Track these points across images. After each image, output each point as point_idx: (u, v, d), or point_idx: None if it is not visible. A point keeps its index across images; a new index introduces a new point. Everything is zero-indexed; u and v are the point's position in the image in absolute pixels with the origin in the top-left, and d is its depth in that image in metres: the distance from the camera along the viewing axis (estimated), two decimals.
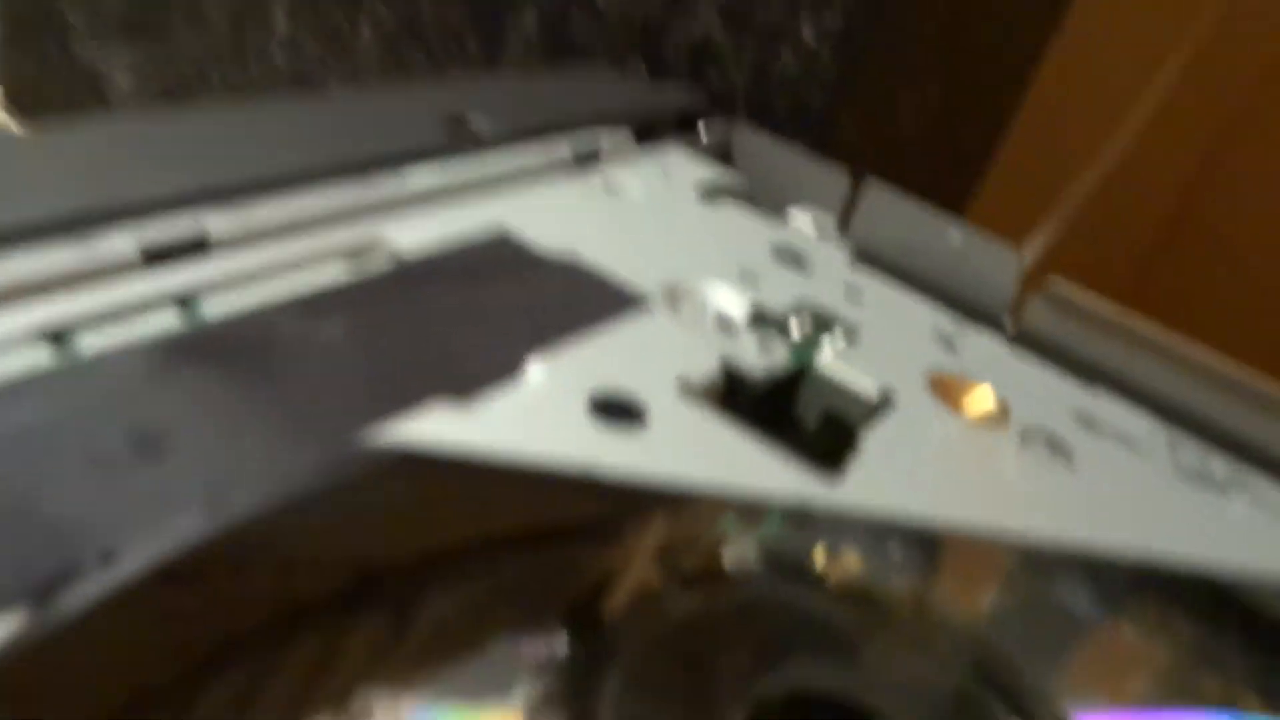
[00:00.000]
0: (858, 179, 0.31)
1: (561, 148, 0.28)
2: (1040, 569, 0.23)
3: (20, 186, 0.19)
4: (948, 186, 0.61)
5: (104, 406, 0.15)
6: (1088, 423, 0.22)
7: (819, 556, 0.22)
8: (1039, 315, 0.29)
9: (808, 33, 0.41)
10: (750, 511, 0.22)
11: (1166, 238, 0.69)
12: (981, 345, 0.26)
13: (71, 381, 0.15)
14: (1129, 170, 0.61)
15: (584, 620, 0.18)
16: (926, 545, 0.23)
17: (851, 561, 0.22)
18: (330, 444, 0.15)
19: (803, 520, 0.22)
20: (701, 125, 0.33)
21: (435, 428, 0.16)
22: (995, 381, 0.23)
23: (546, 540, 0.19)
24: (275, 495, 0.14)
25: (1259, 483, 0.23)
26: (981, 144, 0.57)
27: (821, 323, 0.23)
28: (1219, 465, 0.23)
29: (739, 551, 0.21)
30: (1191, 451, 0.24)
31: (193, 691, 0.15)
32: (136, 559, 0.12)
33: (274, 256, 0.19)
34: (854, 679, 0.19)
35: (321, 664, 0.16)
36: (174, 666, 0.15)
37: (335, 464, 0.15)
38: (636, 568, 0.20)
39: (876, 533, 0.23)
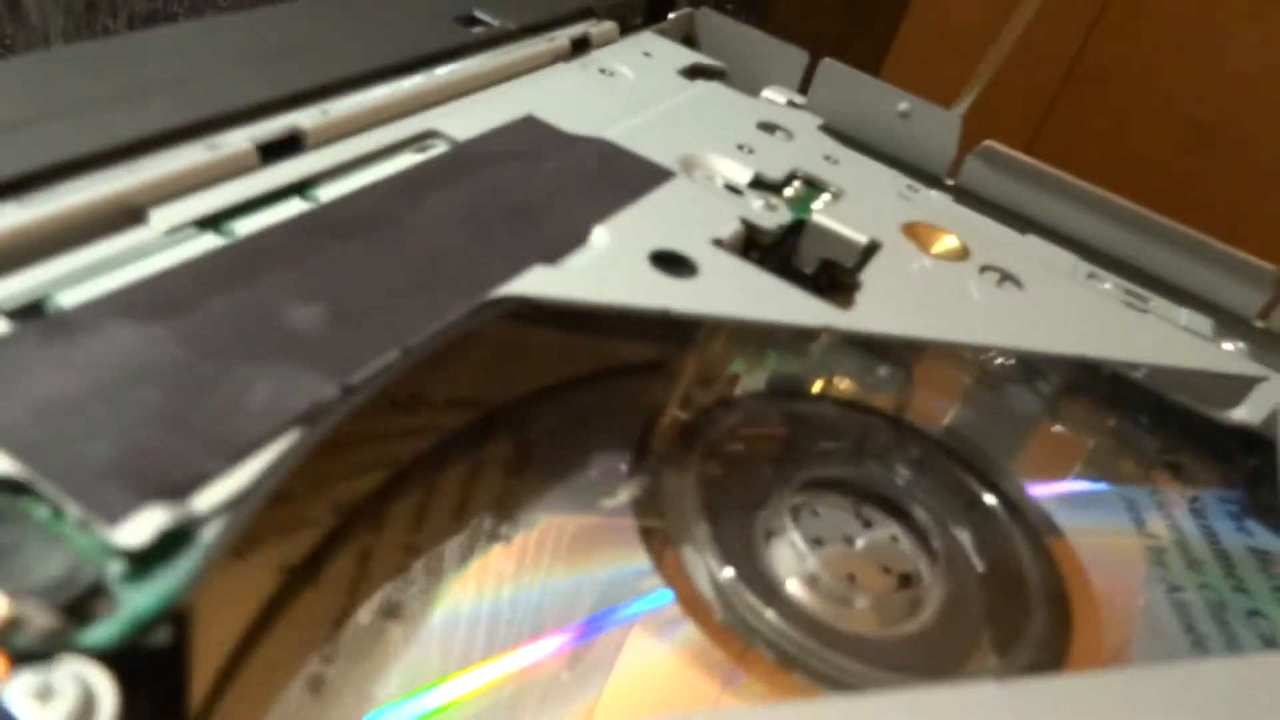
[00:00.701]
0: (815, 57, 0.35)
1: (559, 38, 0.30)
2: (993, 383, 0.28)
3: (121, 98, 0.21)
4: (864, 50, 0.65)
5: (276, 277, 0.18)
6: (1027, 257, 0.27)
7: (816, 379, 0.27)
8: (975, 172, 0.33)
9: None
10: (754, 351, 0.27)
11: (1060, 89, 0.75)
12: (934, 199, 0.30)
13: (241, 257, 0.18)
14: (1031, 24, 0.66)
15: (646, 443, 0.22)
16: (903, 366, 0.28)
17: (843, 382, 0.27)
18: (462, 295, 0.19)
19: (798, 352, 0.27)
20: (671, 13, 0.36)
21: (538, 284, 0.20)
22: (950, 227, 0.27)
23: (617, 375, 0.23)
24: (435, 330, 0.17)
25: (1159, 300, 0.29)
26: (895, 7, 0.61)
27: (811, 184, 0.27)
28: (1127, 287, 0.29)
29: (751, 381, 0.26)
30: (1107, 278, 0.29)
31: (381, 505, 0.19)
32: (361, 384, 0.16)
33: (359, 147, 0.22)
34: (862, 469, 0.24)
35: (470, 479, 0.20)
36: (368, 482, 0.18)
37: (471, 309, 0.18)
38: (676, 400, 0.24)
39: (859, 359, 0.28)
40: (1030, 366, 0.29)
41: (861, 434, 0.25)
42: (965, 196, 0.33)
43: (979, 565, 0.23)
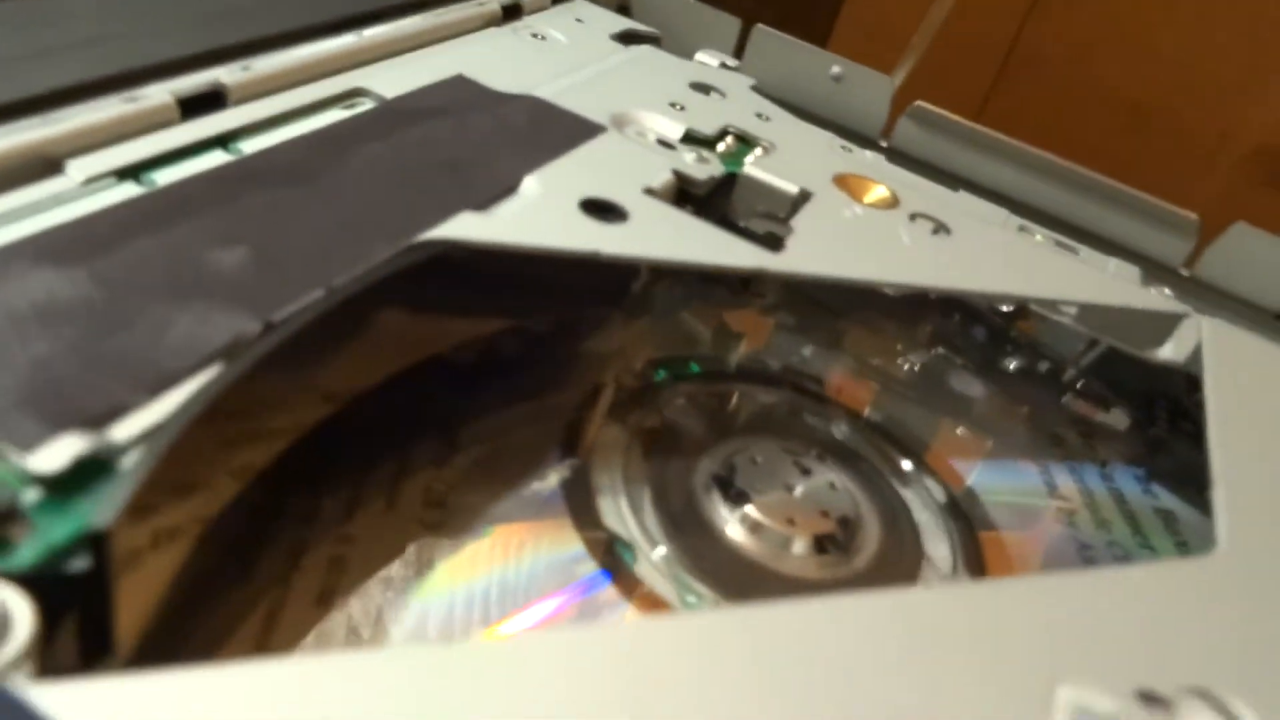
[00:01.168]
0: (748, 24, 0.35)
1: (490, 3, 0.30)
2: (929, 372, 0.29)
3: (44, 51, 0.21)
4: (805, 25, 0.65)
5: (197, 222, 0.18)
6: (957, 210, 0.28)
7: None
8: (908, 132, 0.34)
9: None
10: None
11: (999, 71, 0.76)
12: (867, 157, 0.30)
13: (161, 203, 0.18)
14: (964, 13, 0.67)
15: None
16: (829, 351, 0.28)
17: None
18: (388, 239, 0.18)
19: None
20: None
21: (466, 229, 0.20)
22: (882, 181, 0.28)
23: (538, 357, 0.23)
24: (360, 271, 0.17)
25: (1089, 250, 0.29)
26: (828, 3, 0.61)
27: (744, 140, 0.27)
28: (1057, 239, 0.29)
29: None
30: (1037, 231, 0.29)
31: (315, 500, 0.19)
32: (292, 314, 0.16)
33: (284, 103, 0.22)
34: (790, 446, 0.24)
35: (399, 472, 0.20)
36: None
37: (396, 251, 0.18)
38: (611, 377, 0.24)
39: (790, 340, 0.28)
40: (954, 349, 0.30)
41: (791, 406, 0.26)
42: (899, 157, 0.33)
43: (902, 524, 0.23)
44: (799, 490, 0.23)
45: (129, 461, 0.13)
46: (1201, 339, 0.24)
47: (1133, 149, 0.80)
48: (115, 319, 0.15)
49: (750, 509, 0.22)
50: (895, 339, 0.30)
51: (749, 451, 0.23)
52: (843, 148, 0.30)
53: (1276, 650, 0.15)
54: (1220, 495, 0.18)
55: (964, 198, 0.31)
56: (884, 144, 0.34)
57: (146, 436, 0.14)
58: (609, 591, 0.20)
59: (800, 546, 0.21)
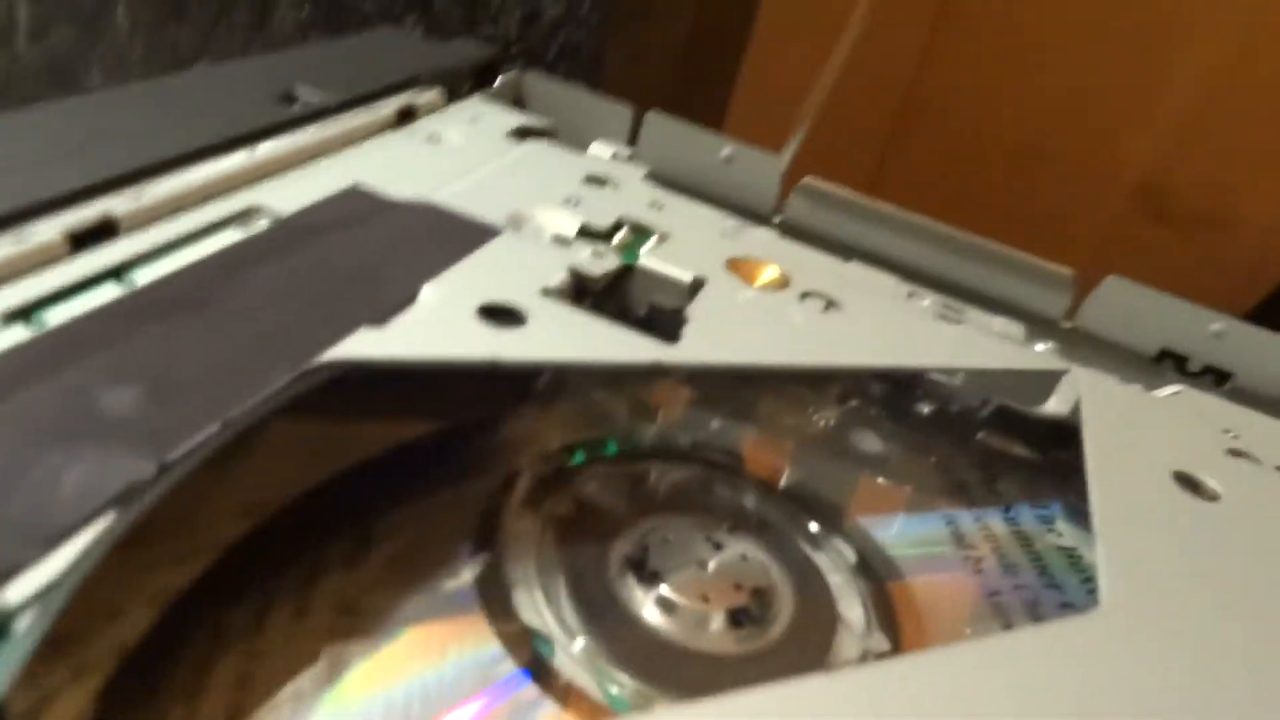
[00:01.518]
0: (639, 111, 0.36)
1: (384, 109, 0.31)
2: (838, 431, 0.30)
3: None
4: (701, 106, 0.67)
5: (89, 362, 0.18)
6: (848, 283, 0.29)
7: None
8: (798, 207, 0.35)
9: None
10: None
11: (897, 124, 0.79)
12: (759, 235, 0.32)
13: (52, 345, 0.18)
14: (859, 71, 0.70)
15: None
16: (740, 420, 0.29)
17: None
18: (285, 364, 0.19)
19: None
20: (500, 77, 0.37)
21: (364, 346, 0.20)
22: (775, 260, 0.29)
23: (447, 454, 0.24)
24: (257, 400, 0.18)
25: (975, 311, 0.31)
26: (728, 65, 0.64)
27: (638, 230, 0.28)
28: (945, 302, 0.31)
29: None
30: (926, 296, 0.31)
31: (220, 612, 0.19)
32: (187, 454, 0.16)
33: (179, 228, 0.22)
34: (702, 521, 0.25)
35: (309, 579, 0.20)
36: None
37: (294, 376, 0.19)
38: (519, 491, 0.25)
39: (703, 410, 0.29)
40: (857, 415, 0.31)
41: (704, 480, 0.26)
42: (791, 231, 0.35)
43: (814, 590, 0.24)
44: (711, 565, 0.23)
45: (23, 623, 0.13)
46: (1080, 394, 0.26)
47: (1027, 189, 0.84)
48: (4, 473, 0.15)
49: (664, 589, 0.22)
50: (805, 399, 0.30)
51: (661, 530, 0.24)
52: (734, 228, 0.31)
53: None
54: (1101, 551, 0.20)
55: (854, 268, 0.32)
56: (777, 220, 0.35)
57: (40, 595, 0.14)
58: (530, 690, 0.20)
59: (716, 622, 0.22)
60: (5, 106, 0.27)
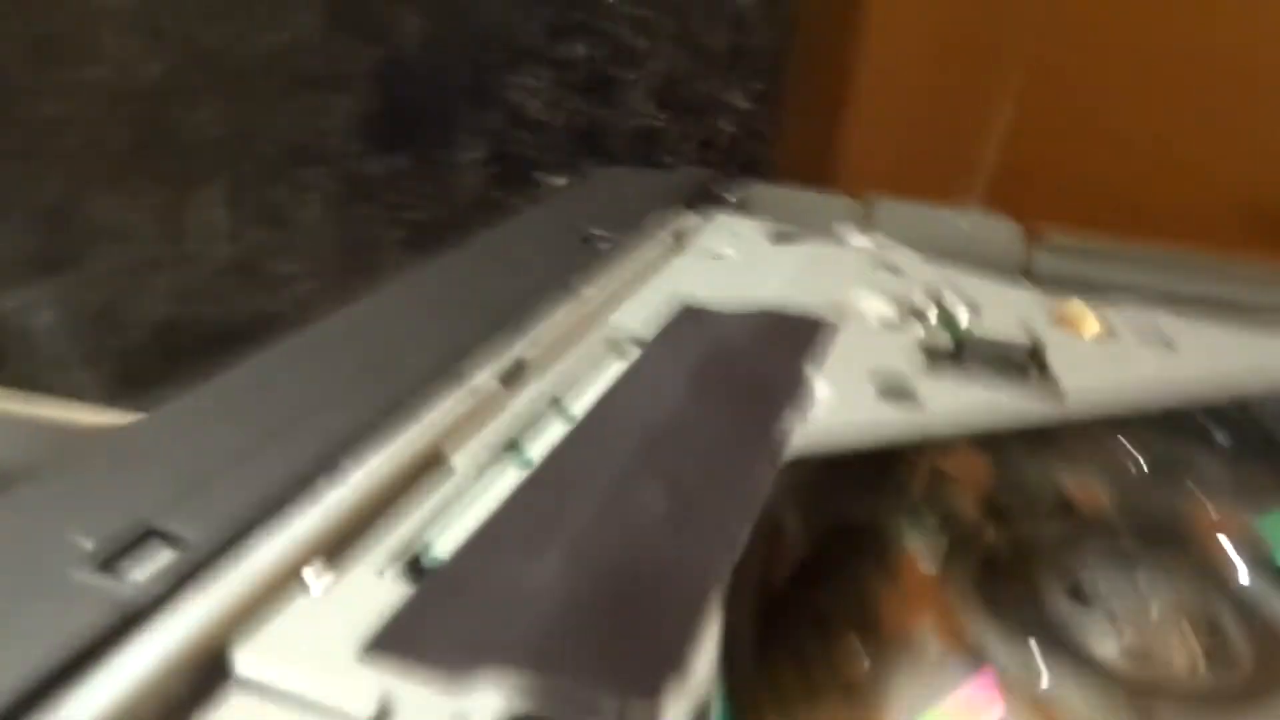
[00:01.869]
0: (866, 200, 0.38)
1: (665, 236, 0.33)
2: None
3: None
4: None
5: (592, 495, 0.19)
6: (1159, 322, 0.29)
7: None
8: (1044, 263, 0.36)
9: (738, 98, 0.48)
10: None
11: (994, 193, 0.81)
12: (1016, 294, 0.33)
13: (552, 476, 0.20)
14: (954, 139, 0.72)
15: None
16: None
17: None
18: (759, 455, 0.20)
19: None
20: (730, 194, 0.39)
21: (809, 437, 0.21)
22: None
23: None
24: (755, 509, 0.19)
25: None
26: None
27: (943, 304, 0.30)
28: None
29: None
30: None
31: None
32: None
33: (577, 360, 0.24)
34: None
35: None
36: None
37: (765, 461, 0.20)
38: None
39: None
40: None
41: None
42: (1042, 283, 0.36)
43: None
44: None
45: None
46: None
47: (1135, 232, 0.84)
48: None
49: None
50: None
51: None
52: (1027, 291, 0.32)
53: None
54: None
55: (1126, 309, 0.33)
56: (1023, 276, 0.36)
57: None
58: None
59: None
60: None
